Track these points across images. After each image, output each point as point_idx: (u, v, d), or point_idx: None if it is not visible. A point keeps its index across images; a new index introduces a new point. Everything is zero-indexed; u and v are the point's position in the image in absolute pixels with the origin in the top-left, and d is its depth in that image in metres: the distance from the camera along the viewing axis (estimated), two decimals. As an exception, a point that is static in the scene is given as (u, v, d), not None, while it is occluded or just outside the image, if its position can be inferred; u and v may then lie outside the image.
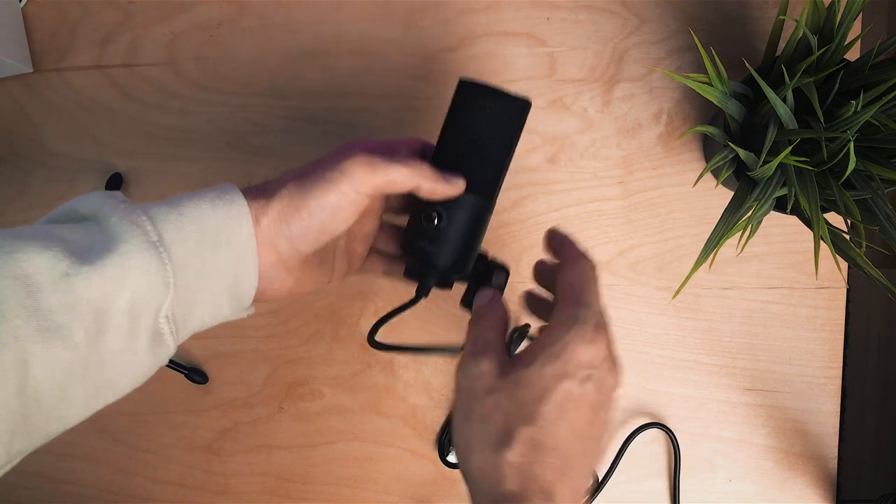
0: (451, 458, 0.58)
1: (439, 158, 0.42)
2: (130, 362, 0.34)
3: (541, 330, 0.42)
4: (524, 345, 0.44)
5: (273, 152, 0.59)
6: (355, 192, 0.37)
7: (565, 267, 0.39)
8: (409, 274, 0.43)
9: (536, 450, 0.33)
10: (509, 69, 0.58)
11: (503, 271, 0.43)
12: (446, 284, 0.43)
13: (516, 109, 0.42)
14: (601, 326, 0.36)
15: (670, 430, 0.58)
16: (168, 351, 0.36)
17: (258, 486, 0.59)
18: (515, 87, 0.58)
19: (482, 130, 0.41)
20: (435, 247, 0.41)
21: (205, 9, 0.59)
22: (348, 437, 0.59)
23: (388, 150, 0.42)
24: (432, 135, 0.58)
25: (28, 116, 0.59)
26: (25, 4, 0.59)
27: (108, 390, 0.34)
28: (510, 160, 0.43)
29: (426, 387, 0.59)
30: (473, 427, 0.34)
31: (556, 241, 0.41)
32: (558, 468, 0.33)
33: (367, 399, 0.59)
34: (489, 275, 0.43)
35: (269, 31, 0.59)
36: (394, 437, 0.59)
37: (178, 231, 0.35)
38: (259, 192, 0.38)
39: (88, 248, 0.33)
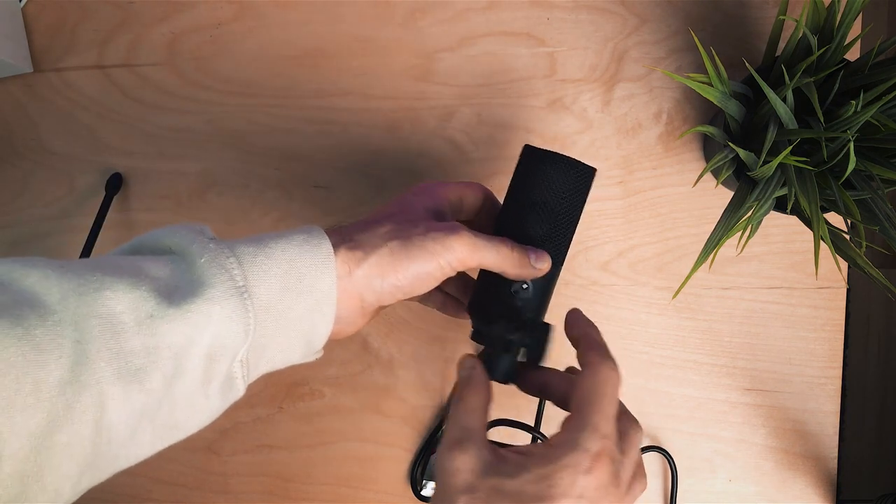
0: (426, 493, 0.58)
1: (508, 222, 0.42)
2: (201, 406, 0.34)
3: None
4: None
5: (273, 152, 0.59)
6: (450, 266, 0.38)
7: (584, 372, 0.37)
8: (478, 338, 0.43)
9: None
10: (509, 69, 0.58)
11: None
12: (510, 351, 0.42)
13: (585, 177, 0.42)
14: (602, 455, 0.33)
15: (668, 454, 0.58)
16: (238, 394, 0.36)
17: (258, 486, 0.59)
18: (515, 87, 0.58)
19: (553, 199, 0.41)
20: (514, 314, 0.41)
21: (205, 9, 0.59)
22: (348, 437, 0.59)
23: (458, 197, 0.43)
24: (433, 136, 0.58)
25: (28, 116, 0.59)
26: (25, 4, 0.59)
27: (176, 431, 0.35)
28: (576, 226, 0.43)
29: (426, 387, 0.59)
30: None
31: (578, 330, 0.40)
32: None
33: (367, 399, 0.59)
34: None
35: (269, 31, 0.59)
36: (394, 437, 0.59)
37: (263, 274, 0.34)
38: (354, 242, 0.37)
39: (174, 288, 0.33)
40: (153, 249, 0.36)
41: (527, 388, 0.41)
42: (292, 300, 0.35)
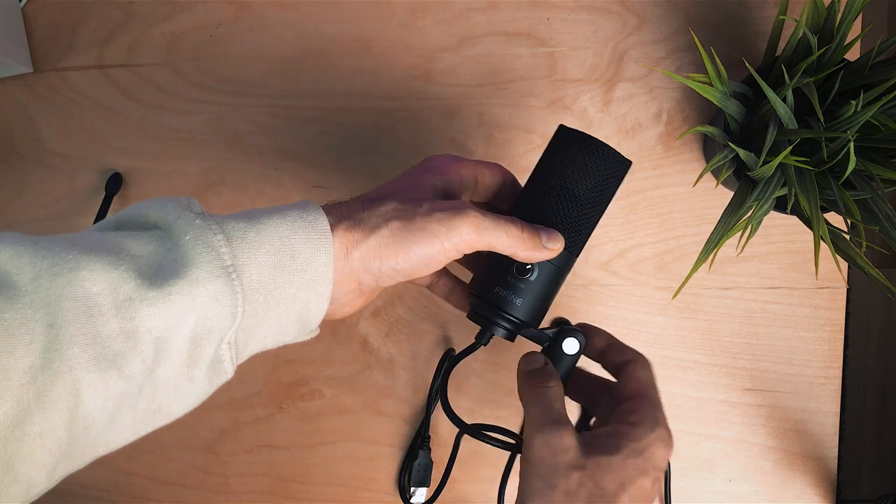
0: (415, 500, 0.58)
1: (527, 203, 0.40)
2: (186, 390, 0.33)
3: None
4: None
5: (273, 152, 0.59)
6: (455, 249, 0.36)
7: (634, 364, 0.41)
8: (476, 318, 0.41)
9: None
10: (509, 69, 0.58)
11: (577, 336, 0.42)
12: (512, 337, 0.41)
13: (619, 168, 0.40)
14: (670, 431, 0.38)
15: None
16: (226, 376, 0.34)
17: (258, 486, 0.59)
18: (515, 87, 0.58)
19: (580, 184, 0.39)
20: (517, 298, 0.39)
21: (205, 9, 0.59)
22: (348, 437, 0.59)
23: (472, 176, 0.41)
24: (433, 136, 0.58)
25: (28, 116, 0.59)
26: (25, 4, 0.59)
27: (159, 416, 0.33)
28: (601, 217, 0.41)
29: (426, 387, 0.59)
30: (557, 500, 0.35)
31: (602, 340, 0.43)
32: None
33: (367, 399, 0.59)
34: (560, 337, 0.41)
35: (268, 31, 0.59)
36: (394, 437, 0.59)
37: (253, 252, 0.33)
38: (353, 221, 0.36)
39: (157, 268, 0.31)
40: (138, 224, 0.34)
41: (568, 392, 0.42)
42: (285, 279, 0.33)
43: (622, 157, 0.40)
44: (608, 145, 0.39)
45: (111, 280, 0.29)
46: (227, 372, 0.34)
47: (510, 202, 0.42)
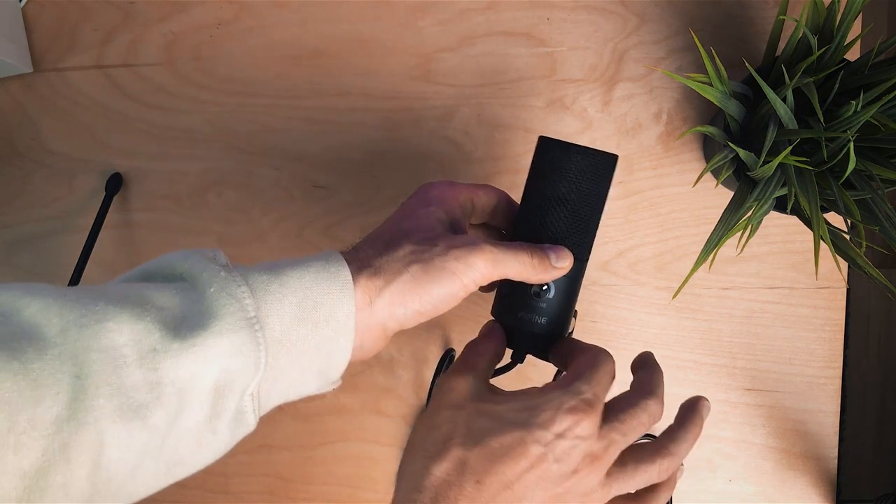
0: None
1: (526, 221, 0.41)
2: (208, 441, 0.33)
3: None
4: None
5: (273, 152, 0.59)
6: (473, 283, 0.37)
7: (583, 352, 0.38)
8: (507, 342, 0.42)
9: (461, 472, 0.33)
10: (509, 69, 0.58)
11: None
12: (544, 351, 0.42)
13: (606, 165, 0.40)
14: (591, 406, 0.34)
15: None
16: (248, 428, 0.34)
17: (258, 486, 0.59)
18: (515, 87, 0.58)
19: (572, 191, 0.40)
20: (541, 318, 0.40)
21: (205, 9, 0.59)
22: (348, 437, 0.59)
23: (469, 200, 0.42)
24: (433, 136, 0.58)
25: (28, 116, 0.59)
26: (25, 4, 0.59)
27: (181, 467, 0.33)
28: (601, 217, 0.42)
29: (426, 387, 0.59)
30: (420, 433, 0.35)
31: (566, 345, 0.41)
32: (473, 500, 0.32)
33: (367, 399, 0.59)
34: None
35: (269, 31, 0.59)
36: (394, 437, 0.59)
37: (277, 303, 0.33)
38: (373, 269, 0.36)
39: (182, 319, 0.31)
40: (164, 275, 0.34)
41: (551, 359, 0.42)
42: (307, 331, 0.34)
43: (605, 153, 0.40)
44: (589, 148, 0.40)
45: (136, 331, 0.30)
46: (250, 424, 0.34)
47: (507, 219, 0.43)
